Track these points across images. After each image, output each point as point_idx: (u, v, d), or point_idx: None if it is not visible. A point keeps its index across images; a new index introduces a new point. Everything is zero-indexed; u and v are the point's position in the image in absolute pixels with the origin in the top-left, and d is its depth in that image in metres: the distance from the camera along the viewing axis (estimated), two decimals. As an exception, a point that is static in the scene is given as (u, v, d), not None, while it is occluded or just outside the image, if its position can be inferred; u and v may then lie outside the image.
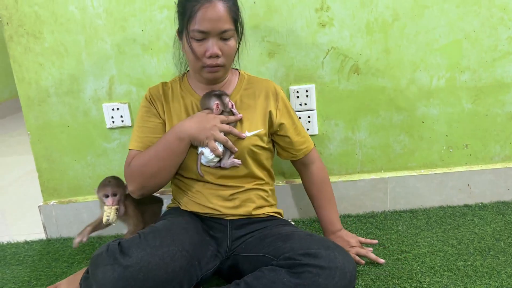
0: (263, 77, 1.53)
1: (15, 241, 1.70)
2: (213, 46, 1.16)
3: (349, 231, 1.52)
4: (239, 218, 1.27)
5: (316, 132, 1.59)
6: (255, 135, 1.25)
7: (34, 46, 1.52)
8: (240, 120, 1.25)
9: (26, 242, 1.69)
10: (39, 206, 1.68)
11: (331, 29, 1.50)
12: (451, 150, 1.62)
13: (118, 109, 1.57)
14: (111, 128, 1.60)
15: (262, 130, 1.26)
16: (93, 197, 1.66)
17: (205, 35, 1.15)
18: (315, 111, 1.57)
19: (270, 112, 1.27)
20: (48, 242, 1.67)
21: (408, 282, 1.23)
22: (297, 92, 1.55)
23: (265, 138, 1.28)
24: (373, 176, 1.63)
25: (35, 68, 1.54)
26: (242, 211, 1.27)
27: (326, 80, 1.55)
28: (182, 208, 1.31)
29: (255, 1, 1.47)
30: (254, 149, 1.25)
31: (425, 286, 1.21)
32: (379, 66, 1.53)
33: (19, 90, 1.56)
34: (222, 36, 1.16)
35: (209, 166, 1.24)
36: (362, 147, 1.62)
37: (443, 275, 1.25)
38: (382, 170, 1.64)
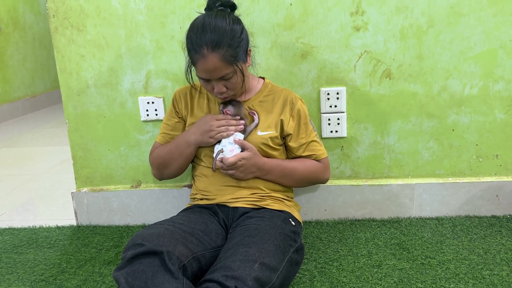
0: (295, 77, 1.57)
1: (47, 226, 1.77)
2: (217, 86, 1.27)
3: (373, 235, 1.54)
4: (239, 207, 1.33)
5: (345, 135, 1.61)
6: (267, 136, 1.34)
7: (77, 38, 1.58)
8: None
9: (58, 227, 1.75)
10: (72, 193, 1.74)
11: (365, 33, 1.52)
12: (480, 160, 1.61)
13: (153, 102, 1.62)
14: (145, 121, 1.65)
15: (273, 132, 1.35)
16: (124, 187, 1.71)
17: (207, 80, 1.26)
18: (345, 113, 1.59)
19: (281, 120, 1.36)
20: (78, 228, 1.73)
21: (432, 287, 1.23)
22: (328, 94, 1.57)
23: (277, 141, 1.37)
24: (400, 181, 1.63)
25: (77, 59, 1.60)
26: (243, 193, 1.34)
27: (358, 83, 1.56)
28: (192, 193, 1.44)
29: (292, 2, 1.50)
30: (263, 147, 1.34)
31: (449, 291, 1.21)
32: (412, 72, 1.54)
33: (60, 80, 1.63)
34: (223, 78, 1.25)
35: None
36: (391, 152, 1.62)
37: (468, 282, 1.24)
38: (410, 176, 1.64)
